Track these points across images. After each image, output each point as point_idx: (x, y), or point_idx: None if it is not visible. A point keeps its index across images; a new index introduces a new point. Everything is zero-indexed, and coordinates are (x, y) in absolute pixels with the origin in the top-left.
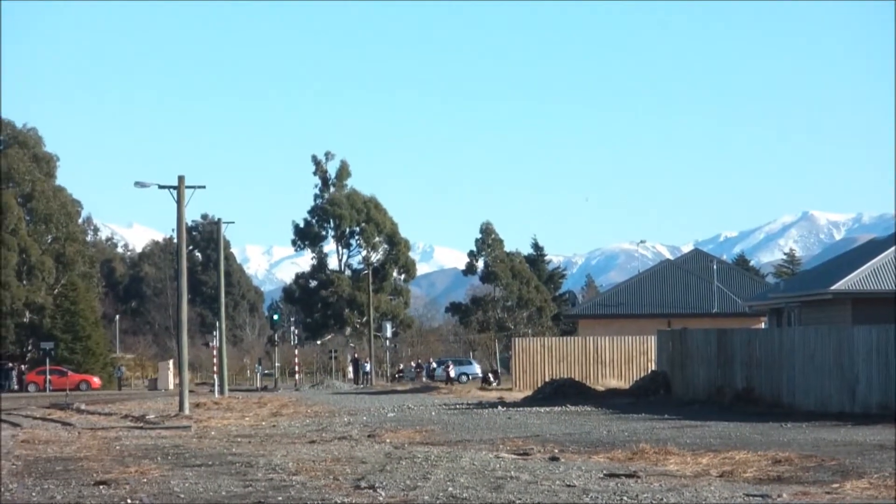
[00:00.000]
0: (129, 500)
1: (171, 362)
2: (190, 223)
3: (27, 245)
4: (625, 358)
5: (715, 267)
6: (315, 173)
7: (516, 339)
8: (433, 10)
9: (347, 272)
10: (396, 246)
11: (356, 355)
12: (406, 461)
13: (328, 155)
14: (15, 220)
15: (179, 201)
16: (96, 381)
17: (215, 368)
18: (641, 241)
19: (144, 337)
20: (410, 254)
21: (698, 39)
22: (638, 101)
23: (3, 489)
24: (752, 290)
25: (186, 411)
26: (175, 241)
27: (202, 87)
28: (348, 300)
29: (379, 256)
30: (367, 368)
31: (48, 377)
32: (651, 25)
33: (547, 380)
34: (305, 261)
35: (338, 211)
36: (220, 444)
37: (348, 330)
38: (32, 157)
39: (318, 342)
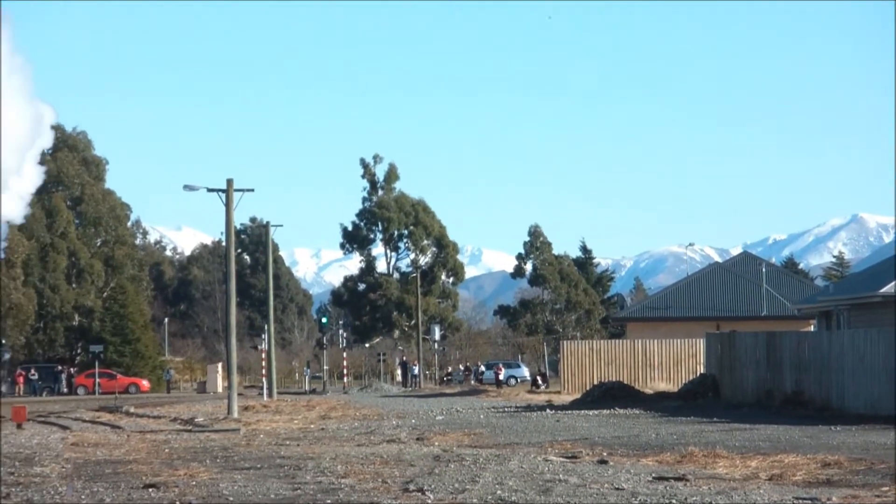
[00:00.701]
0: (178, 503)
1: (219, 365)
2: (238, 226)
3: (76, 248)
4: (673, 361)
5: (764, 270)
6: (363, 176)
7: (565, 342)
8: (479, 13)
9: (396, 275)
10: (445, 249)
11: (404, 358)
12: (454, 464)
13: (376, 158)
14: (64, 224)
15: (228, 204)
16: (145, 384)
17: (264, 371)
18: (690, 244)
19: (193, 340)
20: (459, 257)
21: (746, 42)
22: (687, 103)
23: (50, 491)
24: (801, 293)
25: (235, 414)
26: (224, 244)
27: (251, 90)
28: (397, 303)
29: (427, 259)
30: (416, 371)
31: (97, 380)
32: (705, 29)
33: (595, 383)
34: (354, 264)
35: (386, 214)
36: (269, 446)
37: (397, 333)
38: (82, 160)
39: (367, 345)
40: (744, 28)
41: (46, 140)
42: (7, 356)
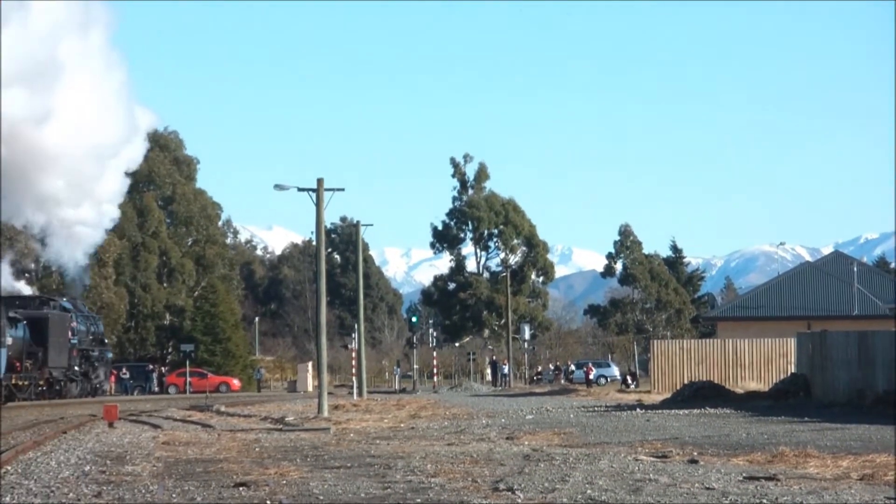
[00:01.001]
0: (268, 502)
1: (310, 364)
2: (329, 225)
3: (168, 248)
4: (764, 360)
5: (855, 269)
6: (454, 175)
7: (655, 341)
8: (568, 10)
9: (486, 274)
10: (535, 248)
11: (494, 357)
12: (544, 463)
13: (466, 157)
14: (155, 223)
15: (318, 204)
16: (236, 383)
17: (354, 370)
18: (781, 243)
19: (283, 339)
20: (549, 256)
21: (835, 40)
22: (777, 99)
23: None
24: (893, 292)
25: (325, 413)
26: (314, 243)
27: (341, 89)
28: (486, 302)
29: (517, 259)
30: (506, 370)
31: (188, 379)
32: (795, 27)
33: (685, 382)
34: (444, 263)
35: (476, 213)
36: (359, 445)
37: (486, 332)
38: (173, 160)
39: (457, 344)
40: (834, 26)
41: (138, 147)
42: (110, 355)
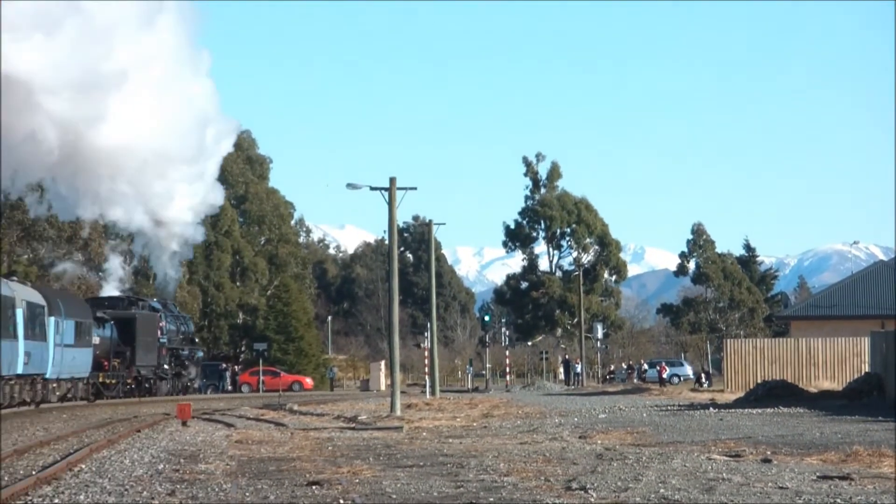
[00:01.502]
0: (341, 501)
1: (382, 363)
2: (401, 224)
3: (240, 247)
4: (837, 359)
5: None
6: (526, 174)
7: (728, 340)
8: (642, 10)
9: (558, 273)
10: (607, 247)
11: (567, 356)
12: (617, 462)
13: (539, 156)
14: (228, 222)
15: (391, 203)
16: (308, 381)
17: (426, 369)
18: (855, 242)
19: (356, 338)
20: (621, 255)
21: None
22: (853, 96)
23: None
24: None
25: (398, 412)
26: (387, 242)
27: (413, 88)
28: (559, 301)
29: (590, 257)
30: (578, 369)
31: (261, 378)
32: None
33: (759, 381)
34: (516, 262)
35: (548, 212)
36: (432, 444)
37: (559, 331)
38: (246, 159)
39: (529, 343)
40: None
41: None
42: (200, 354)
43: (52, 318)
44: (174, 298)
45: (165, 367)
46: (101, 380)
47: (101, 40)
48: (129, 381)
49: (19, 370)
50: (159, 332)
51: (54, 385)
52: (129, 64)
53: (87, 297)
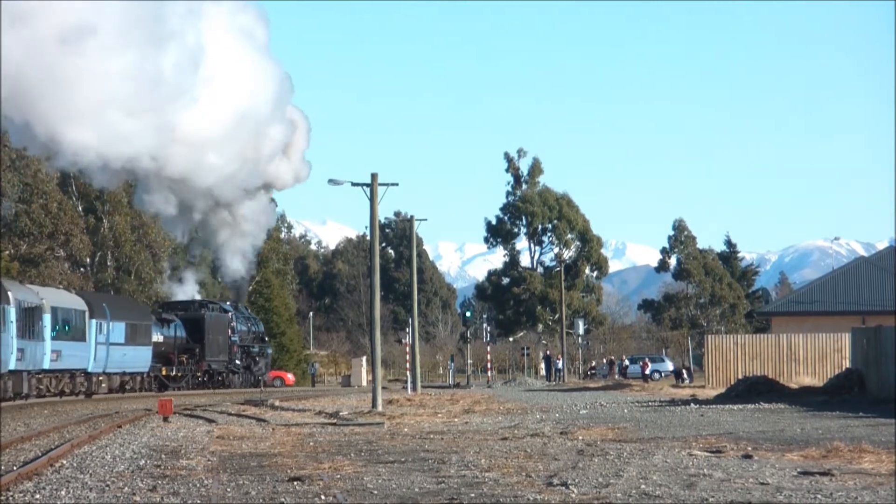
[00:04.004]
0: (322, 497)
1: (364, 359)
2: (383, 220)
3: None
4: (818, 355)
5: None
6: (507, 170)
7: (709, 336)
8: (620, 8)
9: (539, 269)
10: (588, 243)
11: (548, 352)
12: (598, 458)
13: (520, 152)
14: None
15: (373, 199)
16: (290, 377)
17: (408, 365)
18: (836, 238)
19: (338, 334)
20: (602, 251)
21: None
22: (832, 94)
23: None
24: None
25: (379, 408)
26: (368, 238)
27: (395, 84)
28: (540, 297)
29: (571, 253)
30: (560, 365)
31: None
32: (856, 22)
33: (740, 377)
34: (498, 258)
35: (530, 208)
36: (413, 440)
37: (540, 327)
38: None
39: (511, 339)
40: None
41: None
42: (270, 351)
43: (94, 321)
44: (245, 300)
45: (237, 362)
46: (163, 373)
47: None
48: (198, 374)
49: (45, 366)
50: (230, 332)
51: (101, 378)
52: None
53: (156, 300)
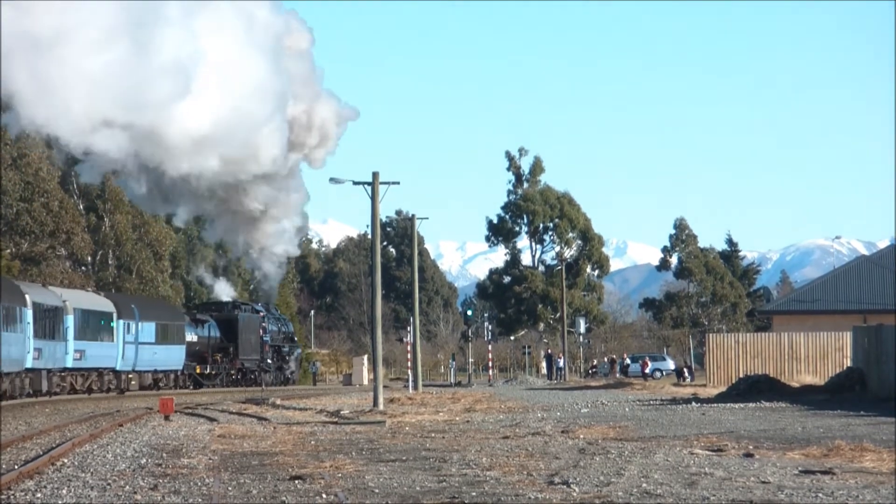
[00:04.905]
0: (323, 495)
1: (365, 358)
2: (384, 219)
3: (223, 241)
4: (819, 354)
5: None
6: (509, 169)
7: (710, 334)
8: (622, 8)
9: (541, 268)
10: (590, 242)
11: (550, 351)
12: (599, 457)
13: (522, 151)
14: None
15: (374, 197)
16: None
17: (409, 364)
18: (837, 237)
19: (339, 332)
20: (604, 249)
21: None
22: (833, 94)
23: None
24: None
25: (381, 406)
26: (369, 236)
27: (397, 83)
28: (542, 296)
29: (572, 252)
30: (561, 364)
31: None
32: (861, 24)
33: (741, 376)
34: (499, 257)
35: (531, 207)
36: (414, 439)
37: (542, 326)
38: None
39: (512, 338)
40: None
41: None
42: (299, 351)
43: (122, 321)
44: (276, 301)
45: (269, 361)
46: (198, 371)
47: None
48: (232, 372)
49: (68, 364)
50: (262, 332)
51: (130, 376)
52: None
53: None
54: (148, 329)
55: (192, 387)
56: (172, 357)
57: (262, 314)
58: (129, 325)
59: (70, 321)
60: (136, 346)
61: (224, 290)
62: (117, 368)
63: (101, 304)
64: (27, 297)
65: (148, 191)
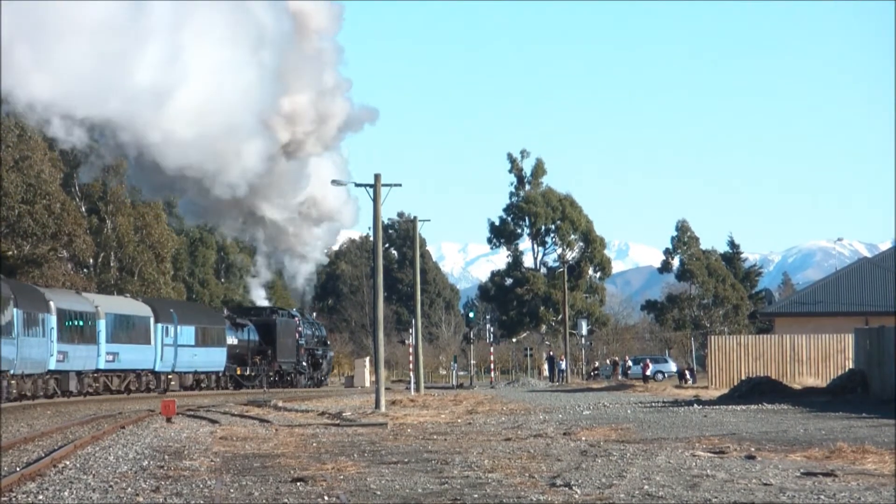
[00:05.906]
0: (325, 497)
1: (367, 359)
2: (386, 221)
3: (225, 243)
4: (821, 356)
5: None
6: (511, 171)
7: (712, 336)
8: (624, 10)
9: (543, 270)
10: (592, 244)
11: (551, 353)
12: (601, 459)
13: (524, 153)
14: None
15: (376, 199)
16: None
17: (411, 366)
18: (839, 239)
19: (341, 334)
20: (606, 251)
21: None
22: (834, 94)
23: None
24: None
25: (383, 408)
26: (371, 238)
27: (399, 85)
28: (544, 298)
29: (574, 254)
30: (563, 366)
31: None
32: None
33: (743, 378)
34: (501, 259)
35: (533, 209)
36: (416, 441)
37: (543, 328)
38: None
39: (514, 340)
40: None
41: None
42: (331, 354)
43: (160, 325)
44: (310, 307)
45: (304, 363)
46: (238, 373)
47: None
48: (270, 374)
49: (100, 366)
50: (297, 335)
51: (170, 377)
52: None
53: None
54: (187, 332)
55: (232, 388)
56: (213, 359)
57: (297, 318)
58: (167, 328)
59: (102, 325)
60: (174, 349)
61: (259, 296)
62: (156, 370)
63: (137, 308)
64: (51, 303)
65: (146, 176)
